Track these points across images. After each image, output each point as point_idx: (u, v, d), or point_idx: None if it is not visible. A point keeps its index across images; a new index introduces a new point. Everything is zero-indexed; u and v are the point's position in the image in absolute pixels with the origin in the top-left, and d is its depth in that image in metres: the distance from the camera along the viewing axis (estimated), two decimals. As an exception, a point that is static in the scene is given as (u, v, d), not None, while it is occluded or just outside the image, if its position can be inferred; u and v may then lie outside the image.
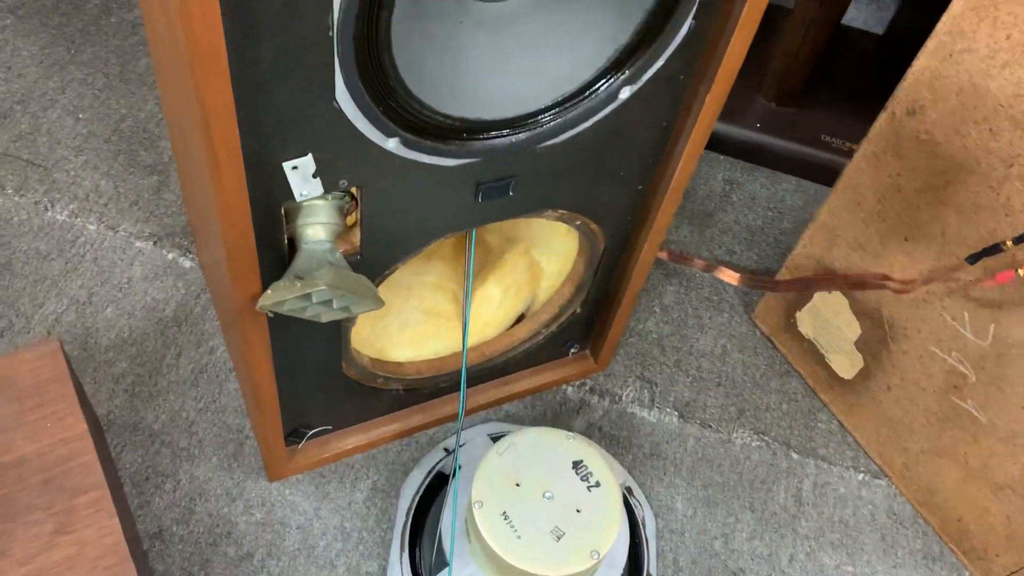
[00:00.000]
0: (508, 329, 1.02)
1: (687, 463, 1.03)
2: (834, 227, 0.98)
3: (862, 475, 1.04)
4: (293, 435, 0.94)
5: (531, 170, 0.73)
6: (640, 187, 0.83)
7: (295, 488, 0.95)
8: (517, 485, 0.84)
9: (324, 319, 0.72)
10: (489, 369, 1.02)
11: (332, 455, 0.96)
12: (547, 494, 0.83)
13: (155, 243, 1.10)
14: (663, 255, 1.19)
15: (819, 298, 1.04)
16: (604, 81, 0.68)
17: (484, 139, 0.68)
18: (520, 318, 1.03)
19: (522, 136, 0.69)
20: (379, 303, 0.72)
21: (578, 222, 0.85)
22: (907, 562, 0.99)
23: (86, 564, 0.71)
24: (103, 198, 1.13)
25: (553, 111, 0.68)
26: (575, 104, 0.69)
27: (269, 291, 0.66)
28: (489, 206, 0.76)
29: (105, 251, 1.09)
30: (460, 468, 0.93)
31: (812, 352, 1.08)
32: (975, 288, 0.85)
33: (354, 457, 0.98)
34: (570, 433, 0.87)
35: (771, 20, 1.32)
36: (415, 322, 0.99)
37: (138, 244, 1.10)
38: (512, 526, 0.81)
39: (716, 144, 1.32)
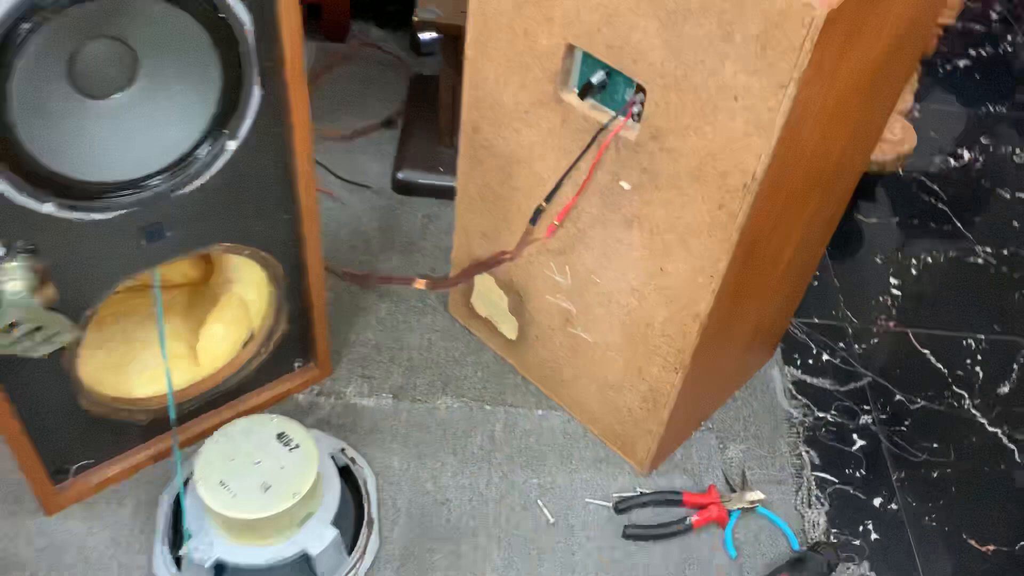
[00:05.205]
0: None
1: (401, 432, 1.28)
2: (466, 226, 1.28)
3: (541, 411, 1.32)
4: (59, 472, 1.14)
5: (181, 214, 1.00)
6: (287, 216, 1.11)
7: (70, 516, 1.14)
8: (232, 460, 1.07)
9: (38, 353, 0.95)
10: (224, 392, 1.25)
11: (98, 483, 1.17)
12: (256, 461, 1.07)
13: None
14: (372, 280, 1.47)
15: (478, 282, 1.33)
16: (207, 142, 0.96)
17: (126, 195, 0.94)
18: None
19: (151, 192, 0.95)
20: (75, 333, 0.96)
21: (247, 252, 1.11)
22: (581, 467, 1.27)
23: None
24: None
25: (169, 171, 0.95)
26: (189, 162, 0.96)
27: (-25, 333, 0.89)
28: (159, 247, 1.01)
29: None
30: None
31: (490, 327, 1.37)
32: (548, 243, 1.16)
33: (121, 482, 1.19)
34: (273, 415, 1.12)
35: (433, 89, 1.67)
36: (154, 366, 1.22)
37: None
38: (228, 489, 1.04)
39: (413, 190, 1.63)
